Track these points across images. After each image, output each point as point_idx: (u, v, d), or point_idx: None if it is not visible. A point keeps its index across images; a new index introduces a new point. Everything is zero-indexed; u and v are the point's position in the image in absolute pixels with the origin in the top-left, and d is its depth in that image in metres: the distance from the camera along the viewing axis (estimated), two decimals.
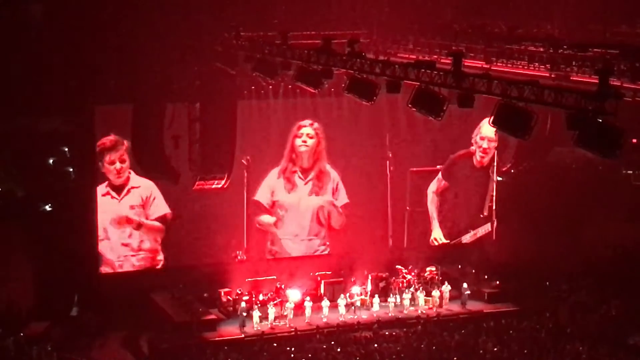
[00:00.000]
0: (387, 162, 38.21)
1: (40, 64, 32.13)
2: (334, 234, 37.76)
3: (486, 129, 37.34)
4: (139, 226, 35.48)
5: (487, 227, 38.93)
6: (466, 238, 39.08)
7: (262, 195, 36.90)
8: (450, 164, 38.73)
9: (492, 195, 38.85)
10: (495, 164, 38.53)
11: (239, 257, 36.66)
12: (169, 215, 35.71)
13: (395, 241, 38.91)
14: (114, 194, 35.13)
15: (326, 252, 37.74)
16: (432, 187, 38.85)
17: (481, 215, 39.07)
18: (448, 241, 39.00)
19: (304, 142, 36.96)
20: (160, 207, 35.64)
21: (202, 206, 35.88)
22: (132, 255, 35.58)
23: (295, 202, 37.20)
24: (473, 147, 38.57)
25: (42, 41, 32.25)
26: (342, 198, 37.76)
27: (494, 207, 38.82)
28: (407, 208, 38.85)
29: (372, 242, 37.82)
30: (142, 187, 35.49)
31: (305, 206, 37.32)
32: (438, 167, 38.80)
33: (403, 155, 38.33)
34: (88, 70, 32.72)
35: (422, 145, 38.43)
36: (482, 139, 38.23)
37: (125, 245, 35.49)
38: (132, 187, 35.40)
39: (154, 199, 35.59)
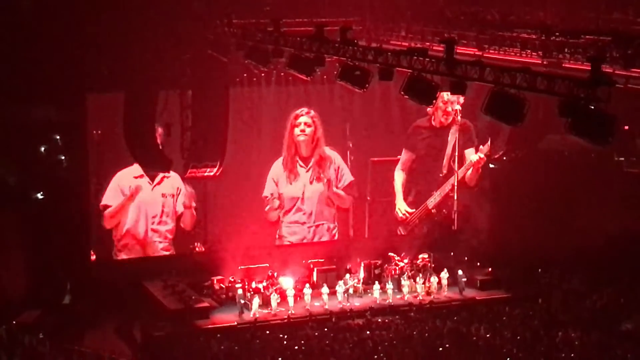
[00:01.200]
0: (348, 152, 38.08)
1: (31, 52, 32.01)
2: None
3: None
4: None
5: (448, 185, 38.09)
6: (431, 202, 38.74)
7: (269, 189, 37.03)
8: (411, 132, 38.50)
9: (453, 153, 37.94)
10: (458, 119, 37.58)
11: (197, 249, 36.66)
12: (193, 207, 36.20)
13: (356, 231, 38.96)
14: (148, 178, 35.50)
15: (335, 236, 37.99)
16: (399, 165, 38.79)
17: (440, 175, 38.67)
18: (414, 210, 38.85)
19: (302, 131, 36.76)
20: (186, 199, 36.03)
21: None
22: (160, 242, 35.96)
23: (299, 190, 37.19)
24: (429, 109, 37.67)
25: (32, 28, 32.10)
26: (346, 178, 37.69)
27: (456, 169, 37.82)
28: (368, 198, 38.78)
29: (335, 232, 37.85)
30: (172, 177, 35.73)
31: (310, 193, 37.28)
32: (399, 157, 38.78)
33: (364, 145, 38.26)
34: (79, 57, 32.61)
35: (384, 135, 38.40)
36: (445, 102, 37.32)
37: (154, 231, 35.86)
38: (165, 176, 35.64)
39: (181, 190, 36.01)
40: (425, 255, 36.55)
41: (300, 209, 37.40)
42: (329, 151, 37.50)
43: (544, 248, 36.56)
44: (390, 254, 36.45)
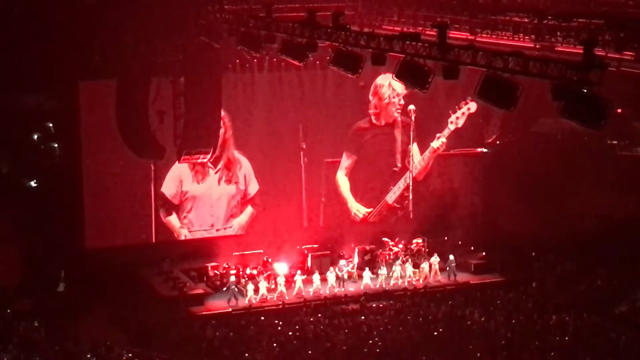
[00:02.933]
0: (301, 153, 37.67)
1: (24, 40, 31.94)
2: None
3: (396, 85, 36.93)
4: None
5: (407, 178, 38.27)
6: (391, 197, 38.63)
7: (168, 187, 36.38)
8: (353, 135, 38.24)
9: (403, 147, 38.32)
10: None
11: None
12: None
13: (309, 229, 38.33)
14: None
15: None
16: (341, 171, 38.32)
17: (394, 169, 38.59)
18: (371, 209, 38.64)
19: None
20: None
21: None
22: None
23: (207, 191, 36.83)
24: (371, 110, 37.98)
25: (25, 16, 32.03)
26: (253, 186, 37.48)
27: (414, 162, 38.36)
28: (322, 199, 38.37)
29: (288, 232, 37.19)
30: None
31: (218, 195, 36.99)
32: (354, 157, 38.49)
33: (317, 146, 37.81)
34: (72, 45, 32.54)
35: (337, 136, 38.09)
36: (398, 95, 37.63)
37: None
38: None
39: None
40: (420, 240, 36.64)
41: (208, 211, 36.96)
42: (238, 155, 37.18)
43: (538, 232, 36.66)
44: (384, 239, 36.51)
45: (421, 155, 38.37)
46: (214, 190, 36.92)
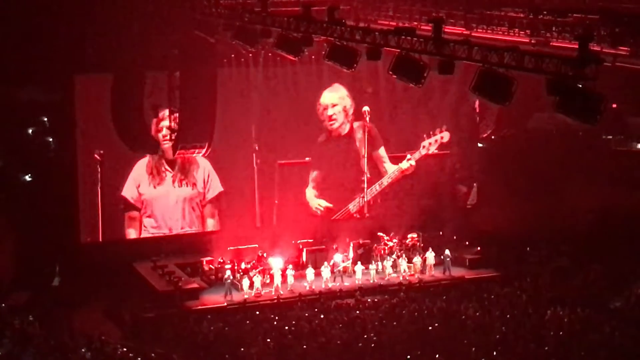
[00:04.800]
0: (254, 154, 37.43)
1: (19, 33, 31.90)
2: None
3: (323, 98, 37.51)
4: None
5: (374, 190, 38.46)
6: (355, 205, 38.46)
7: (128, 190, 35.93)
8: (315, 150, 38.06)
9: (368, 153, 38.31)
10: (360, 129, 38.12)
11: None
12: None
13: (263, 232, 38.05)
14: None
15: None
16: (310, 184, 38.19)
17: (363, 178, 38.42)
18: (332, 205, 38.36)
19: (165, 136, 35.85)
20: None
21: None
22: None
23: (164, 195, 36.45)
24: (334, 124, 38.01)
25: (20, 10, 31.97)
26: (215, 187, 37.14)
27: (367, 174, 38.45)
28: (276, 201, 38.03)
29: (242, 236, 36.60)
30: None
31: (175, 198, 36.61)
32: (307, 159, 38.13)
33: (270, 148, 37.59)
34: (67, 39, 32.51)
35: (293, 137, 37.90)
36: (325, 108, 37.76)
37: None
38: None
39: None
40: (415, 235, 36.67)
41: (164, 215, 36.52)
42: (197, 156, 36.28)
43: (533, 226, 36.66)
44: (379, 233, 36.52)
45: (388, 172, 38.56)
46: (171, 194, 36.45)
